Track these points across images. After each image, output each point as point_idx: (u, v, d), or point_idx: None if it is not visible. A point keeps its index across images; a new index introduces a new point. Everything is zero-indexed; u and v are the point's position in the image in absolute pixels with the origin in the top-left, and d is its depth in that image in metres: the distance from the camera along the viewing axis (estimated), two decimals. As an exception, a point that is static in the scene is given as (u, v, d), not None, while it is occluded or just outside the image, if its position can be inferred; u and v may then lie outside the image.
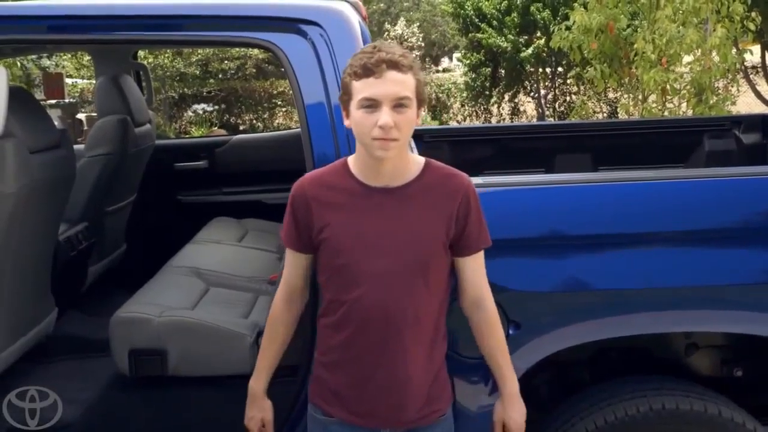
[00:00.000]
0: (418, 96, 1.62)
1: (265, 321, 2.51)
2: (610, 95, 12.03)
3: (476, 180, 2.14)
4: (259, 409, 1.86)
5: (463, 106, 15.00)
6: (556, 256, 2.04)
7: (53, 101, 10.42)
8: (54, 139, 2.65)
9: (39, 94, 10.65)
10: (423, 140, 3.39)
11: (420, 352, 1.70)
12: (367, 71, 1.57)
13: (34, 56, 11.54)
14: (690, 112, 6.22)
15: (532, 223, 2.03)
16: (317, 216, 1.68)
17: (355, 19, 2.23)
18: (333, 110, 2.06)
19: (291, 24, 2.11)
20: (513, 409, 1.82)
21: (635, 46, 6.05)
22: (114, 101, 3.35)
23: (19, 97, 2.51)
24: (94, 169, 3.25)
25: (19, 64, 9.43)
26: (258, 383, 1.87)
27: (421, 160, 1.74)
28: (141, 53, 12.42)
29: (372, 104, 1.58)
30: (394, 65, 1.57)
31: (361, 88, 1.59)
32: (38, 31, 2.25)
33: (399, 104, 1.58)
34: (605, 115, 12.81)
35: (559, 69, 13.52)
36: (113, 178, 3.34)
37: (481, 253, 1.76)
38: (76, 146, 3.15)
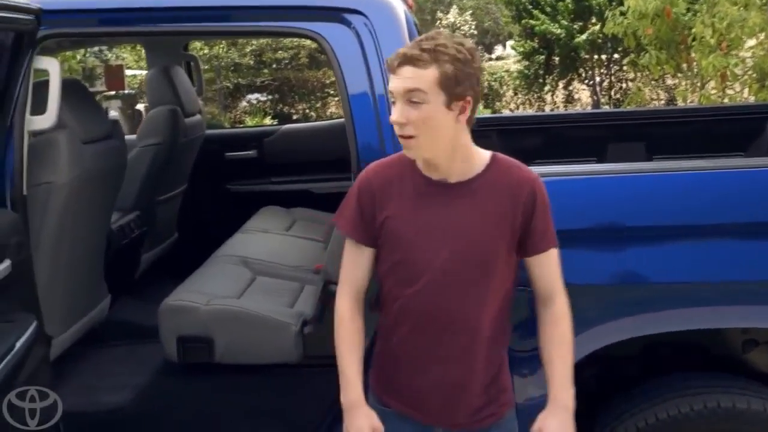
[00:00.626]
0: (444, 88, 1.52)
1: (310, 310, 2.55)
2: (669, 81, 11.67)
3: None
4: (366, 417, 1.66)
5: (516, 94, 14.79)
6: (607, 247, 2.00)
7: (114, 92, 10.69)
8: (106, 129, 2.70)
9: (100, 86, 10.99)
10: (472, 130, 3.34)
11: (478, 353, 1.65)
12: (390, 67, 1.57)
13: (95, 49, 11.87)
14: (752, 99, 5.99)
15: (582, 214, 1.98)
16: (380, 206, 1.65)
17: (400, 7, 2.21)
18: (377, 100, 2.04)
19: (335, 13, 2.09)
20: (555, 418, 1.64)
21: (693, 30, 5.82)
22: (165, 92, 3.40)
23: (72, 88, 2.56)
24: (146, 158, 3.31)
25: (78, 57, 9.67)
26: (354, 393, 1.67)
27: (487, 155, 1.66)
28: (197, 44, 12.62)
29: (393, 99, 1.57)
30: (409, 60, 1.53)
31: (389, 83, 1.60)
32: (89, 24, 2.30)
33: (410, 99, 1.54)
34: (663, 102, 12.45)
35: (615, 55, 13.19)
36: (164, 168, 3.39)
37: (551, 251, 1.67)
38: (128, 136, 3.21)
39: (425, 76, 1.52)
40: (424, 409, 1.68)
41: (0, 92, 2.01)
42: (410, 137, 1.55)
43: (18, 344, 1.81)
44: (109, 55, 13.71)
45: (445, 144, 1.58)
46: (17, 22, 1.91)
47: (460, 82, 1.53)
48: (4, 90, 2.02)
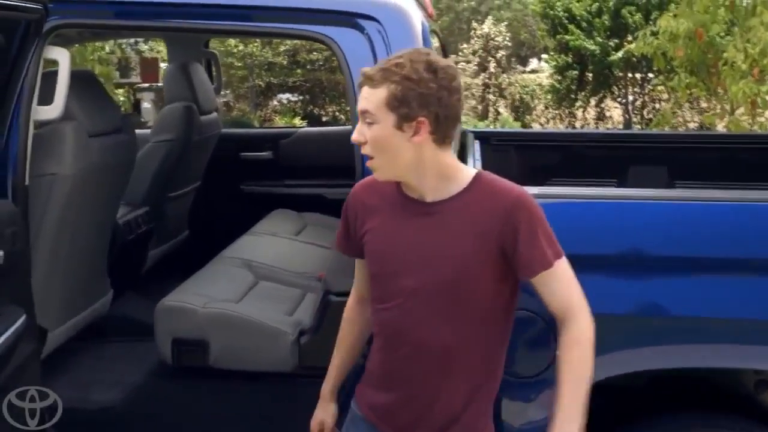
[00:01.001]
0: (392, 109, 1.48)
1: (308, 319, 2.50)
2: (703, 104, 11.46)
3: (544, 190, 2.02)
4: (322, 411, 1.82)
5: (546, 108, 14.64)
6: (615, 276, 1.93)
7: (147, 84, 10.81)
8: (115, 123, 2.68)
9: (135, 77, 11.14)
10: (490, 144, 3.28)
11: (446, 381, 1.58)
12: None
13: (131, 41, 11.98)
14: (785, 128, 5.82)
15: (593, 240, 1.91)
16: (362, 221, 1.65)
17: (416, 15, 2.16)
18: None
19: (348, 18, 2.07)
20: None
21: (725, 54, 5.66)
22: (181, 88, 3.39)
23: (82, 80, 2.55)
24: (158, 154, 3.29)
25: (107, 48, 9.75)
26: (326, 385, 1.84)
27: (470, 174, 1.58)
28: (231, 41, 12.58)
29: None
30: (366, 80, 1.51)
31: None
32: (102, 16, 2.28)
33: (365, 119, 1.52)
34: (696, 125, 12.23)
35: (650, 75, 12.99)
36: (176, 165, 3.37)
37: (553, 270, 1.52)
38: (141, 131, 3.19)
39: (374, 97, 1.50)
40: (389, 424, 1.65)
41: (3, 81, 1.99)
42: (370, 157, 1.54)
43: (2, 338, 1.78)
44: (145, 47, 13.83)
45: (405, 165, 1.53)
46: (23, 10, 1.89)
47: (408, 103, 1.47)
48: (7, 79, 2.00)
